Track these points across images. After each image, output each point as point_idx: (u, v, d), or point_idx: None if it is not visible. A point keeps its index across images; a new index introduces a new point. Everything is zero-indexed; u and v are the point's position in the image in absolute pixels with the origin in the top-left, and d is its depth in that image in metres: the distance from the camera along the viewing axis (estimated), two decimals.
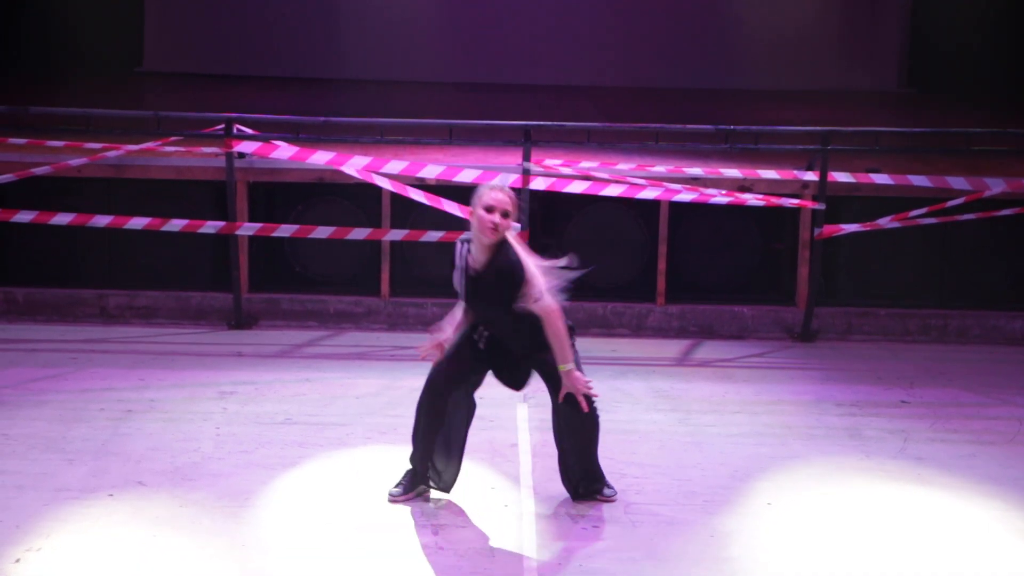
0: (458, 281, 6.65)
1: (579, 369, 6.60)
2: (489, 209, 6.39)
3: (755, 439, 7.87)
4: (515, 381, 6.80)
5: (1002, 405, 8.67)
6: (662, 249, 10.24)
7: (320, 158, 9.73)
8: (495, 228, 6.39)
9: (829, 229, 9.91)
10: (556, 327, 6.47)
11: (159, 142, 9.94)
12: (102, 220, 9.68)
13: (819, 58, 16.39)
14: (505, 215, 6.40)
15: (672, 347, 9.89)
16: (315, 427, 7.87)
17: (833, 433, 8.03)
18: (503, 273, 6.43)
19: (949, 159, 10.60)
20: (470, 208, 6.49)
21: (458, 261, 6.62)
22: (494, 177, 9.79)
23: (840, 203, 10.12)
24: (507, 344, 6.66)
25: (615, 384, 8.85)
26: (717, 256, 10.42)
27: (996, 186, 9.88)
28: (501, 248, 6.46)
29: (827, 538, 6.52)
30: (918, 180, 9.91)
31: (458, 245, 6.63)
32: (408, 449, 6.89)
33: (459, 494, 6.91)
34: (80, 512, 6.58)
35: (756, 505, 6.90)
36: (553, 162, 9.97)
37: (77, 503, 6.69)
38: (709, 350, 9.84)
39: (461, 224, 9.75)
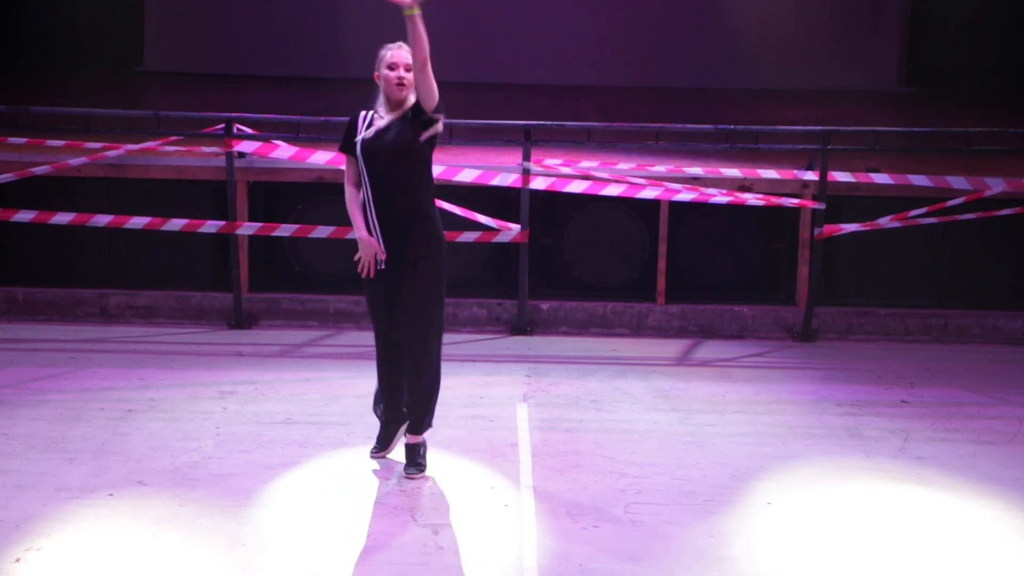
0: (360, 147, 6.85)
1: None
2: (392, 67, 6.87)
3: (755, 439, 7.87)
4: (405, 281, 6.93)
5: (1002, 405, 8.67)
6: (662, 249, 10.24)
7: (320, 158, 9.73)
8: (401, 82, 6.85)
9: (829, 229, 9.91)
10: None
11: (159, 141, 9.94)
12: (102, 220, 9.68)
13: (819, 58, 16.37)
14: (408, 69, 6.85)
15: (672, 347, 9.89)
16: (315, 427, 7.87)
17: (833, 433, 8.03)
18: (416, 107, 6.84)
19: (949, 159, 10.59)
20: (375, 73, 6.89)
21: (361, 129, 6.89)
22: (494, 177, 9.81)
23: (840, 203, 10.12)
24: (396, 210, 6.82)
25: (615, 384, 8.85)
26: (717, 256, 10.41)
27: (996, 186, 9.88)
28: (408, 98, 6.87)
29: (827, 538, 6.52)
30: (918, 180, 9.91)
31: (361, 114, 6.93)
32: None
33: (459, 494, 6.92)
34: (80, 512, 6.58)
35: (756, 505, 6.90)
36: (553, 162, 9.97)
37: (77, 503, 6.69)
38: (709, 350, 9.84)
39: (461, 223, 9.76)
